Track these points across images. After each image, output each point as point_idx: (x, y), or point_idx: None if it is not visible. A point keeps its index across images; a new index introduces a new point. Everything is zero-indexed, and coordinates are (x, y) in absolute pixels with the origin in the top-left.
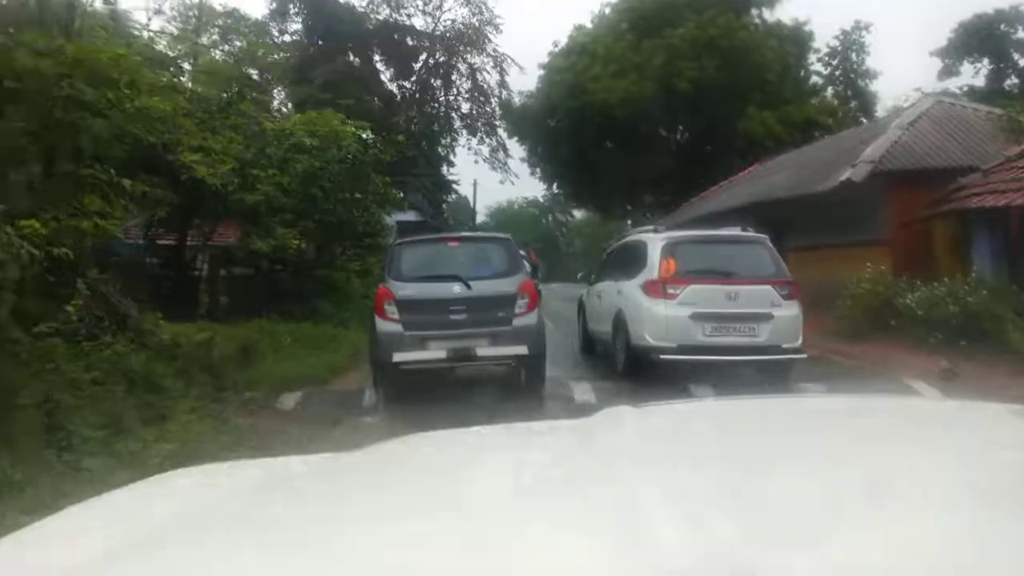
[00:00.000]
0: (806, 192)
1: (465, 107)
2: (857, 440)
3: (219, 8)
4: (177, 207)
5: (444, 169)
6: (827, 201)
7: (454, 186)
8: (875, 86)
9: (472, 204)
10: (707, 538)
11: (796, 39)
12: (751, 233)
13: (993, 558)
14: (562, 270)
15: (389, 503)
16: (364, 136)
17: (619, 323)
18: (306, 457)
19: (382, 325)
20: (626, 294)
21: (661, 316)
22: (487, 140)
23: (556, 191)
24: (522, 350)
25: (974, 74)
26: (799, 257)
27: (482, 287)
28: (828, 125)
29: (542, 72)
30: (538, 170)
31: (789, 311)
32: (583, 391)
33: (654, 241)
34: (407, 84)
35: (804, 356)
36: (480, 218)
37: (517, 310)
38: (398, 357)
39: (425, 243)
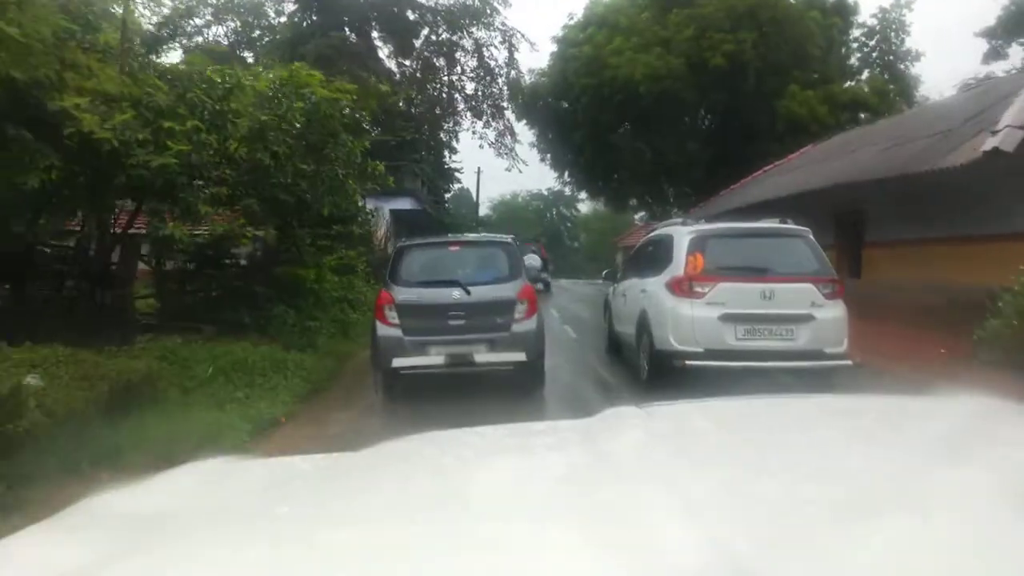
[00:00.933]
0: (919, 169)
1: (470, 87)
2: (866, 441)
3: None
4: (71, 178)
5: (446, 156)
6: (939, 182)
7: (456, 175)
8: (916, 69)
9: (475, 196)
10: (714, 541)
11: (840, 10)
12: (791, 226)
13: (1000, 560)
14: (567, 266)
15: (391, 503)
16: (344, 104)
17: (643, 324)
18: (310, 456)
19: (382, 330)
20: (650, 293)
21: (687, 317)
22: (493, 123)
23: (567, 180)
24: (520, 356)
25: None
26: (890, 254)
27: (481, 292)
28: (877, 107)
29: (556, 47)
30: (548, 156)
31: (832, 312)
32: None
33: (681, 235)
34: (407, 63)
35: (849, 363)
36: (483, 210)
37: (516, 315)
38: (397, 363)
39: (426, 247)
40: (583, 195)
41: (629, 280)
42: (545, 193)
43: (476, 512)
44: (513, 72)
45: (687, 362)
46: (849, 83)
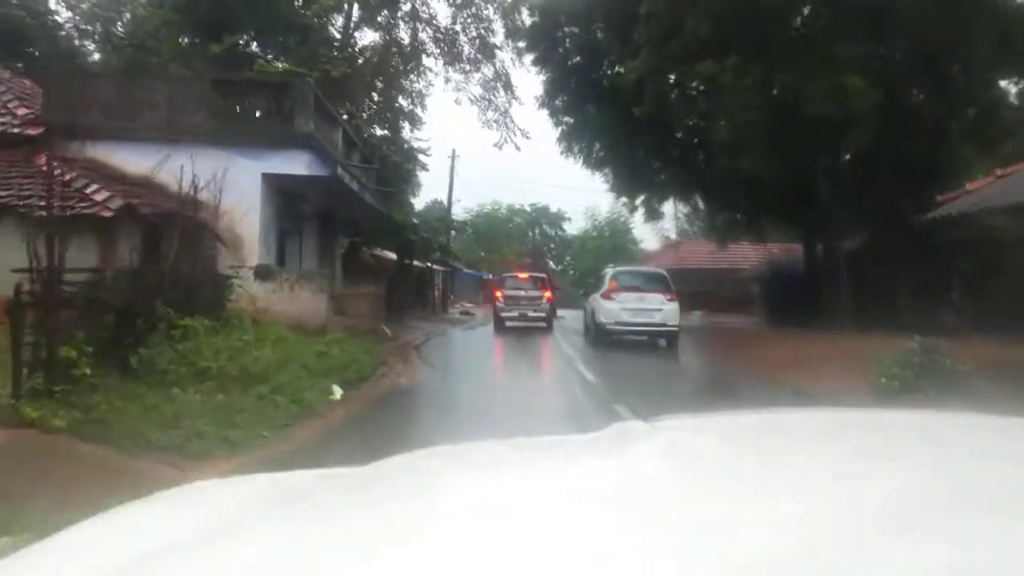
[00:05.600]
0: None
1: (445, 16)
2: (875, 456)
3: None
4: None
5: (407, 129)
6: None
7: (423, 156)
8: None
9: (448, 194)
10: (726, 562)
11: None
12: (655, 268)
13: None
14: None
15: (390, 524)
16: None
17: (592, 314)
18: (313, 472)
19: (498, 304)
20: (597, 299)
21: (608, 308)
22: (479, 70)
23: (595, 161)
24: (544, 314)
25: None
26: None
27: (531, 292)
28: None
29: None
30: (566, 122)
31: (672, 307)
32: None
33: (608, 272)
34: None
35: (677, 330)
36: (458, 211)
37: (543, 301)
38: (502, 315)
39: (511, 277)
40: (622, 199)
41: (593, 294)
42: (528, 209)
43: (477, 535)
44: None
45: (607, 327)
46: None
